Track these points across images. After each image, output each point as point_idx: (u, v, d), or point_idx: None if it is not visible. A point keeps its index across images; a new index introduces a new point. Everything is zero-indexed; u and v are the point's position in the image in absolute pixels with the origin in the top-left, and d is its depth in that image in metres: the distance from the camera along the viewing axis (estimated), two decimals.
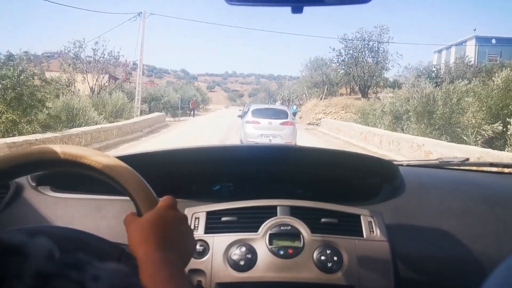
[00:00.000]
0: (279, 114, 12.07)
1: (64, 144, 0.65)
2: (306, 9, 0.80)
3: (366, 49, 31.77)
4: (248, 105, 16.22)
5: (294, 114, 28.16)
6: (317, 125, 26.01)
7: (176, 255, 0.56)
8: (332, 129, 20.30)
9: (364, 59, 31.71)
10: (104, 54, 21.28)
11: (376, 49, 31.93)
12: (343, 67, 33.13)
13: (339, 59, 32.97)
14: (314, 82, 38.72)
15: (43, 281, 0.32)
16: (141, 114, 20.97)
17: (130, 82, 35.72)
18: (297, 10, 0.80)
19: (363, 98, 29.64)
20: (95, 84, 20.05)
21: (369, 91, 32.12)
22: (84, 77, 19.76)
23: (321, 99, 32.66)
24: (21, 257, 0.40)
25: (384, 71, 32.60)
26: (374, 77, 31.67)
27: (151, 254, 0.54)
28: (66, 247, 0.55)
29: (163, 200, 0.62)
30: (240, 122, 13.21)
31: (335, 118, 25.63)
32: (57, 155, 0.63)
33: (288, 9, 0.80)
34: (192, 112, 33.89)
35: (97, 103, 15.97)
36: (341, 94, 35.64)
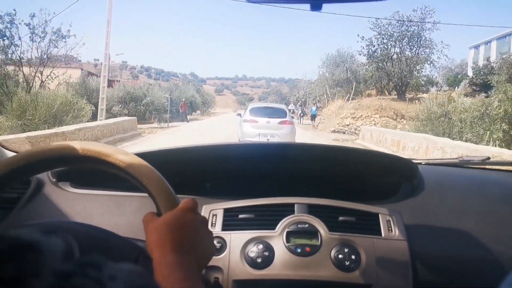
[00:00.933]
0: (278, 113, 11.79)
1: (85, 141, 0.68)
2: (325, 6, 0.81)
3: (405, 37, 24.90)
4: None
5: (314, 117, 26.16)
6: (345, 133, 20.69)
7: (192, 258, 0.56)
8: (384, 143, 12.89)
9: (402, 50, 25.26)
10: (46, 34, 14.13)
11: (417, 37, 24.92)
12: (375, 60, 25.97)
13: (370, 50, 25.64)
14: (336, 80, 31.68)
15: (63, 279, 0.32)
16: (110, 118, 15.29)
17: (117, 81, 32.56)
18: (316, 7, 0.80)
19: (399, 99, 24.39)
20: (33, 79, 13.83)
21: (406, 91, 26.01)
22: (18, 70, 13.76)
23: (347, 100, 25.74)
24: (37, 254, 0.38)
25: (426, 65, 25.79)
26: (414, 73, 25.36)
27: (166, 256, 0.54)
28: (85, 244, 0.56)
29: (184, 203, 0.62)
30: (239, 121, 12.77)
31: (367, 124, 20.12)
32: (77, 152, 0.64)
33: (307, 6, 0.81)
34: (185, 117, 27.32)
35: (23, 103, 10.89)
36: (369, 95, 29.04)
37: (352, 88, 27.33)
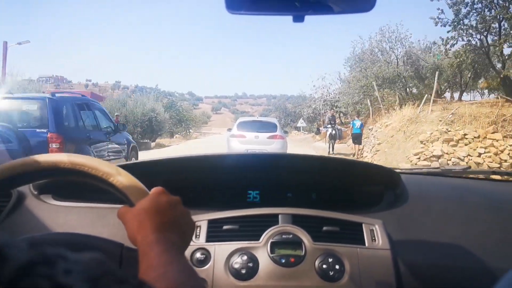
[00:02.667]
0: (267, 127, 11.20)
1: (70, 153, 0.70)
2: (308, 18, 0.81)
3: None
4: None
5: (358, 138, 14.76)
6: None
7: (175, 235, 0.58)
8: None
9: None
10: None
11: None
12: (466, 32, 13.98)
13: (458, 20, 13.83)
14: (380, 76, 19.28)
15: (14, 283, 0.33)
16: None
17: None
18: (298, 18, 0.81)
19: None
20: None
21: None
22: None
23: (423, 105, 13.92)
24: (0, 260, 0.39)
25: None
26: None
27: (149, 237, 0.55)
28: (38, 244, 0.56)
29: (154, 189, 0.64)
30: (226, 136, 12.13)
31: (484, 154, 10.41)
32: (62, 165, 0.64)
33: (289, 18, 0.82)
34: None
35: None
36: (440, 96, 17.51)
37: (435, 85, 15.75)
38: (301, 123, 31.15)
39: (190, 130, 35.63)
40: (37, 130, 5.52)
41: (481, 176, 1.59)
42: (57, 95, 6.27)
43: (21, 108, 5.90)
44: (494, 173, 1.51)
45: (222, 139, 20.60)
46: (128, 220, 0.60)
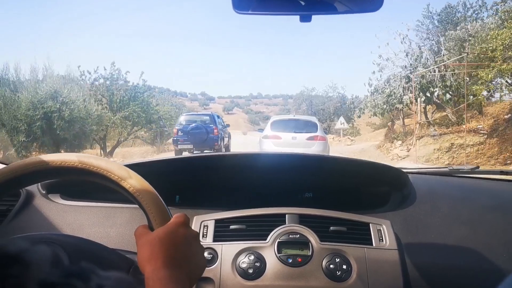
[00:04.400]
0: (306, 126, 9.68)
1: (81, 154, 0.70)
2: (315, 17, 0.82)
3: None
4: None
5: None
6: None
7: (184, 273, 0.56)
8: None
9: None
10: None
11: None
12: None
13: None
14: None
15: None
16: None
17: None
18: (305, 18, 0.82)
19: None
20: None
21: None
22: None
23: None
24: (22, 265, 0.39)
25: None
26: None
27: (158, 271, 0.54)
28: (74, 255, 0.56)
29: (176, 217, 0.62)
30: (258, 137, 10.79)
31: None
32: (74, 164, 0.63)
33: (296, 17, 0.82)
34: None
35: None
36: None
37: None
38: (341, 123, 21.42)
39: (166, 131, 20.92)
40: (210, 125, 14.02)
41: (489, 176, 1.57)
42: (212, 112, 16.78)
43: (202, 118, 14.96)
44: (503, 172, 1.50)
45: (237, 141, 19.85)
46: (142, 245, 0.59)
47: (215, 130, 13.71)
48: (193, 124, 13.63)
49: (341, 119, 21.97)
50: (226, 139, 15.25)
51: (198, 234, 0.65)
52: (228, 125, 17.13)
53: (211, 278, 0.99)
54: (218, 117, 15.64)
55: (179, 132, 13.58)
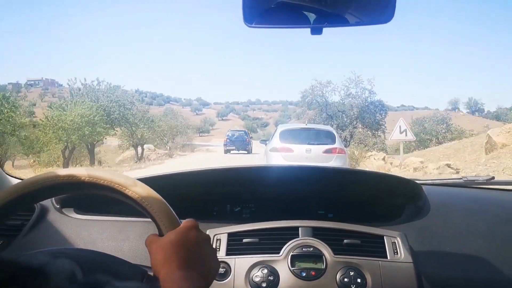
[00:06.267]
0: (322, 137, 8.41)
1: (90, 167, 0.71)
2: (325, 30, 0.82)
3: None
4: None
5: None
6: None
7: (198, 274, 0.57)
8: None
9: None
10: None
11: None
12: None
13: None
14: None
15: None
16: None
17: None
18: (316, 31, 0.81)
19: None
20: None
21: None
22: None
23: None
24: (42, 279, 0.41)
25: None
26: None
27: (173, 273, 0.54)
28: (88, 268, 0.57)
29: (185, 222, 0.63)
30: (264, 150, 9.60)
31: None
32: (83, 178, 0.64)
33: (307, 30, 0.82)
34: None
35: None
36: None
37: None
38: (402, 131, 11.68)
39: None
40: (244, 136, 24.26)
41: (505, 187, 1.55)
42: (245, 129, 32.35)
43: (240, 133, 25.16)
44: None
45: (217, 158, 19.14)
46: (154, 251, 0.60)
47: (247, 139, 23.97)
48: (236, 135, 24.25)
49: (401, 122, 11.94)
50: (251, 145, 24.07)
51: (209, 236, 0.65)
52: (251, 137, 27.91)
53: None
54: (247, 133, 26.71)
55: (228, 140, 23.55)
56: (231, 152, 22.39)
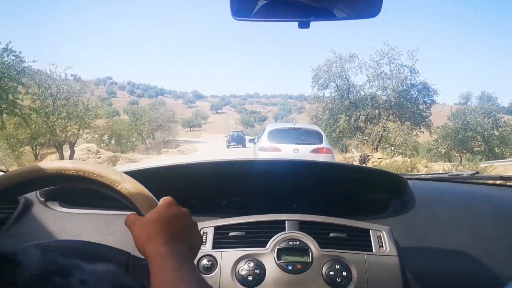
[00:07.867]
0: (309, 137, 8.73)
1: (75, 160, 0.70)
2: (313, 23, 0.82)
3: None
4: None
5: None
6: None
7: (183, 247, 0.58)
8: None
9: None
10: None
11: None
12: None
13: None
14: None
15: None
16: None
17: None
18: (304, 25, 0.82)
19: None
20: None
21: None
22: None
23: None
24: (14, 265, 0.40)
25: None
26: None
27: (159, 248, 0.56)
28: (63, 256, 0.56)
29: (163, 200, 0.65)
30: (252, 149, 9.81)
31: None
32: (67, 171, 0.64)
33: (295, 24, 0.82)
34: None
35: None
36: None
37: None
38: None
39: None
40: (241, 135, 33.45)
41: (489, 181, 1.58)
42: (242, 131, 39.46)
43: (239, 133, 34.33)
44: (502, 178, 1.50)
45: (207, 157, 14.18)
46: (137, 230, 0.61)
47: (243, 137, 31.19)
48: (235, 135, 32.45)
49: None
50: (245, 141, 28.71)
51: (189, 211, 0.66)
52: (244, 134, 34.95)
53: (210, 285, 0.98)
54: (243, 132, 35.47)
55: (230, 138, 32.14)
56: (231, 147, 30.83)
